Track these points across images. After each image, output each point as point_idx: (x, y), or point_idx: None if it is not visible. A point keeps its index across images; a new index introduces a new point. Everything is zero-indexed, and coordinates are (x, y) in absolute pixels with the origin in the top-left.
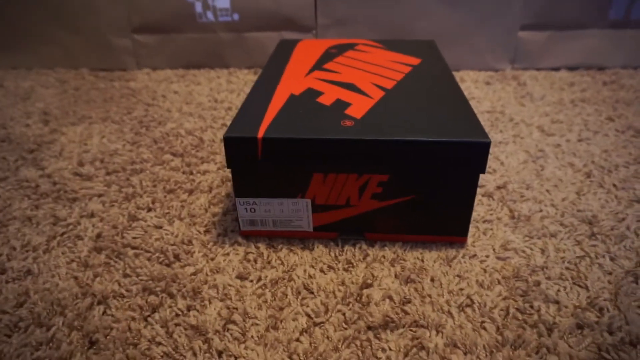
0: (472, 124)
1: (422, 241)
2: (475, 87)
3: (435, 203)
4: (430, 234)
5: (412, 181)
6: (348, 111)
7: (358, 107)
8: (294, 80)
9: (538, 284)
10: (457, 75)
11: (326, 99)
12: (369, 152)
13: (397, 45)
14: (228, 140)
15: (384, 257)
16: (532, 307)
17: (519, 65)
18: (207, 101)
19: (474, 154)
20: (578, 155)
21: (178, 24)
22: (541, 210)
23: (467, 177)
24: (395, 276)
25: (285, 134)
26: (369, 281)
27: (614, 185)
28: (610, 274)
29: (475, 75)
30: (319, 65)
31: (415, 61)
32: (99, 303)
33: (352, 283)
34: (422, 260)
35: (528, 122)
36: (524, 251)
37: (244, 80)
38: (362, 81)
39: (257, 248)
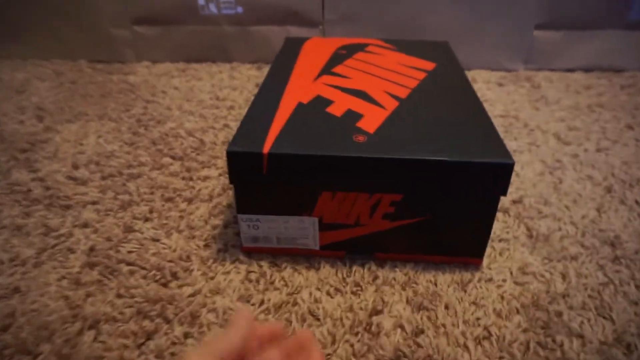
0: (493, 141)
1: (435, 262)
2: (488, 88)
3: (450, 224)
4: (444, 254)
5: (427, 201)
6: (360, 124)
7: (370, 120)
8: (301, 86)
9: (560, 314)
10: (469, 75)
11: (336, 109)
12: (381, 170)
13: (410, 46)
14: (231, 155)
15: (394, 279)
16: (554, 341)
17: (533, 65)
18: (209, 98)
19: (495, 175)
20: (597, 167)
21: (179, 16)
22: (560, 229)
23: (486, 199)
24: (407, 302)
25: (292, 149)
26: (379, 307)
27: (637, 202)
28: (636, 304)
29: (487, 75)
30: (328, 69)
31: (430, 66)
32: (90, 328)
33: (361, 309)
34: (435, 284)
35: (544, 129)
36: (543, 275)
37: (247, 75)
38: (374, 89)
39: (260, 267)
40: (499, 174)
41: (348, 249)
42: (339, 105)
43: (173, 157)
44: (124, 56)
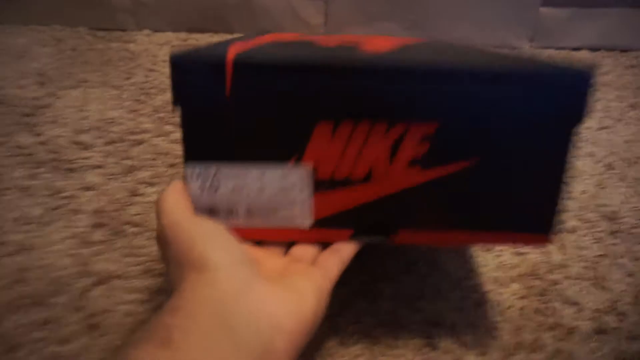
0: (550, 62)
1: (484, 243)
2: None
3: (508, 173)
4: (498, 228)
5: (474, 133)
6: (364, 48)
7: (377, 46)
8: (282, 36)
9: (556, 283)
10: None
11: (327, 42)
12: (407, 86)
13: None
14: (177, 65)
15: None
16: (549, 308)
17: (538, 43)
18: None
19: (569, 90)
20: (599, 144)
21: None
22: None
23: (556, 128)
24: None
25: (270, 58)
26: (379, 272)
27: (636, 179)
28: (631, 275)
29: None
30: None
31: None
32: (100, 283)
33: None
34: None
35: None
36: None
37: None
38: (369, 38)
39: None
40: (574, 87)
41: (356, 225)
42: (329, 41)
43: (175, 125)
44: (125, 24)
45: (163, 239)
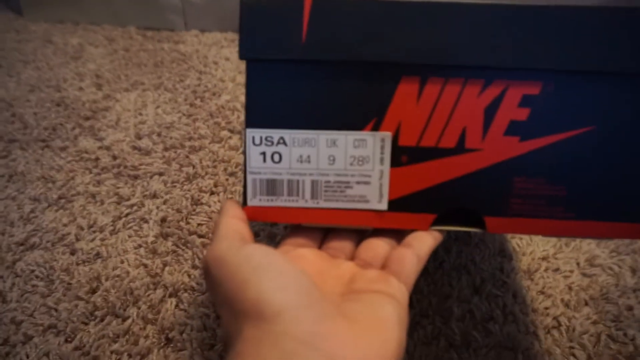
0: None
1: (593, 236)
2: None
3: (620, 149)
4: (604, 218)
5: (585, 98)
6: None
7: None
8: None
9: (630, 308)
10: None
11: None
12: (509, 32)
13: None
14: (248, 7)
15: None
16: (625, 335)
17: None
18: None
19: None
20: None
21: None
22: None
23: None
24: (474, 289)
25: None
26: (447, 292)
27: None
28: None
29: None
30: None
31: None
32: (171, 295)
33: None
34: (502, 271)
35: None
36: (611, 269)
37: None
38: None
39: None
40: None
41: (440, 207)
42: None
43: (231, 131)
44: (173, 24)
45: (209, 278)
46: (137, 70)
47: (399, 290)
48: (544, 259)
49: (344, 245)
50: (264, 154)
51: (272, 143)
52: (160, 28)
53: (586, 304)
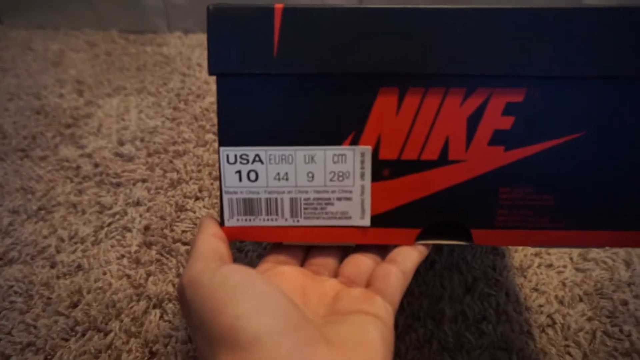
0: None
1: (589, 246)
2: None
3: (608, 155)
4: (594, 226)
5: (573, 103)
6: None
7: None
8: None
9: (625, 303)
10: None
11: None
12: (490, 33)
13: None
14: (216, 17)
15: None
16: (621, 331)
17: None
18: None
19: None
20: None
21: None
22: None
23: None
24: (467, 287)
25: (324, 5)
26: (439, 293)
27: None
28: None
29: None
30: None
31: None
32: (155, 306)
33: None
34: (494, 269)
35: None
36: (605, 262)
37: None
38: None
39: None
40: None
41: (425, 223)
42: None
43: (215, 134)
44: (156, 26)
45: (184, 301)
46: (120, 75)
47: (384, 310)
48: (536, 254)
49: (327, 262)
50: (239, 172)
51: (248, 161)
52: (143, 31)
53: (580, 300)
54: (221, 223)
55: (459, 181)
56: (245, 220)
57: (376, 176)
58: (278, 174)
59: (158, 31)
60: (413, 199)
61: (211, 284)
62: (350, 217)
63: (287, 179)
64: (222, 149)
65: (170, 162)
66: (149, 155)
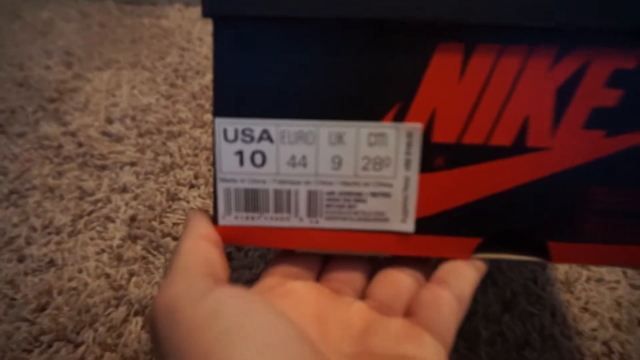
0: None
1: None
2: None
3: None
4: None
5: None
6: None
7: None
8: None
9: None
10: None
11: None
12: None
13: None
14: None
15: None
16: None
17: None
18: None
19: None
20: None
21: None
22: None
23: None
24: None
25: None
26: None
27: None
28: None
29: None
30: None
31: None
32: (136, 314)
33: None
34: (535, 282)
35: None
36: None
37: None
38: None
39: None
40: None
41: (487, 231)
42: None
43: None
44: None
45: (154, 332)
46: (113, 47)
47: (436, 354)
48: (583, 265)
49: (351, 278)
50: (240, 153)
51: (253, 139)
52: (141, 2)
53: (639, 324)
54: (214, 221)
55: (539, 177)
56: (247, 218)
57: (426, 166)
58: (293, 157)
59: (157, 3)
60: (474, 198)
61: (195, 317)
62: (387, 220)
63: (304, 165)
64: (217, 120)
65: (164, 144)
66: (140, 135)
